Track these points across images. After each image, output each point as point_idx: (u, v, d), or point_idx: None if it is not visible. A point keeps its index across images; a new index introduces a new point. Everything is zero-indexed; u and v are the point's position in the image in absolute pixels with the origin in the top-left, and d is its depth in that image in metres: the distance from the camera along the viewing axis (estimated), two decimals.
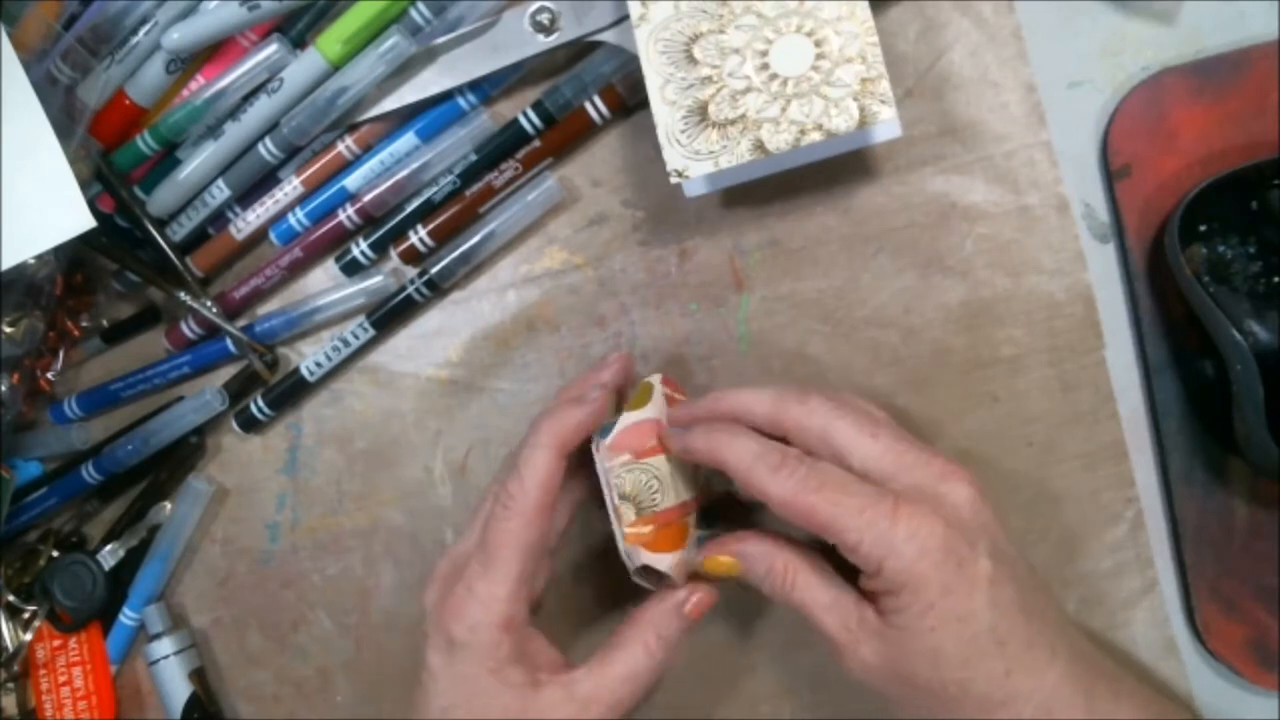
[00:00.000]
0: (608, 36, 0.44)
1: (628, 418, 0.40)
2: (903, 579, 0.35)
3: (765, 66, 0.40)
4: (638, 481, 0.39)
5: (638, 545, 0.39)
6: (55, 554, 0.48)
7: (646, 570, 0.39)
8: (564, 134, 0.46)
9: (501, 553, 0.38)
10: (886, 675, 0.36)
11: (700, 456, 0.38)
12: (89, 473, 0.47)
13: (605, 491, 0.39)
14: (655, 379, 0.41)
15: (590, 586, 0.47)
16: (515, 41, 0.44)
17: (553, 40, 0.44)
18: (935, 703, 0.36)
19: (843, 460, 0.37)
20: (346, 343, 0.47)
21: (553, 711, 0.38)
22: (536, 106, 0.46)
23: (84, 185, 0.41)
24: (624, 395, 0.43)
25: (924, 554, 0.35)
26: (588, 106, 0.45)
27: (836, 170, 0.46)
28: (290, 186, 0.47)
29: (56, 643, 0.48)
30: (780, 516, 0.36)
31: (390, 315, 0.47)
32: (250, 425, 0.48)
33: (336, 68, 0.44)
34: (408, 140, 0.46)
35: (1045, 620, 0.37)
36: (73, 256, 0.48)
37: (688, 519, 0.40)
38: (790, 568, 0.38)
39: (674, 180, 0.40)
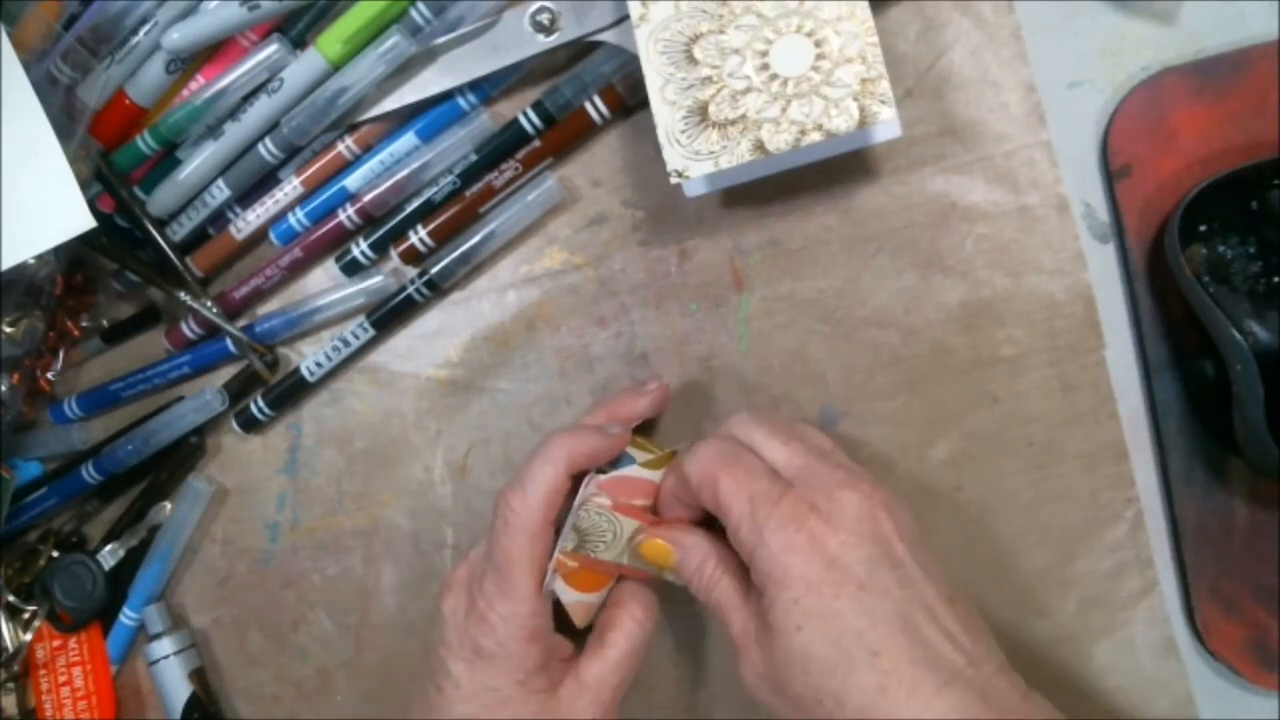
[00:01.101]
0: (608, 36, 0.44)
1: (635, 470, 0.41)
2: (767, 568, 0.35)
3: (765, 67, 0.40)
4: (598, 526, 0.40)
5: (558, 573, 0.40)
6: (55, 554, 0.48)
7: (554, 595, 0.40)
8: (564, 134, 0.46)
9: (513, 571, 0.38)
10: (767, 685, 0.36)
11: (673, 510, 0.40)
12: (89, 473, 0.47)
13: (571, 512, 0.40)
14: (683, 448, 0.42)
15: None
16: (515, 41, 0.44)
17: (553, 40, 0.44)
18: (811, 715, 0.34)
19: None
20: (346, 343, 0.47)
21: (571, 708, 0.39)
22: (536, 106, 0.46)
23: (84, 185, 0.41)
24: (650, 423, 0.46)
25: (790, 547, 0.35)
26: (588, 106, 0.45)
27: (836, 170, 0.46)
28: (290, 186, 0.47)
29: (56, 643, 0.48)
30: (697, 494, 0.38)
31: (390, 315, 0.47)
32: (250, 425, 0.48)
33: (336, 68, 0.44)
34: (408, 140, 0.46)
35: (946, 646, 0.34)
36: (73, 256, 0.48)
37: (612, 581, 0.42)
38: (720, 567, 0.38)
39: (674, 180, 0.40)
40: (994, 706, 0.34)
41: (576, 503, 0.40)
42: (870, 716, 0.33)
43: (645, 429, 0.46)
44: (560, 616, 0.41)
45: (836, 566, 0.35)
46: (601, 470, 0.41)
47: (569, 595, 0.40)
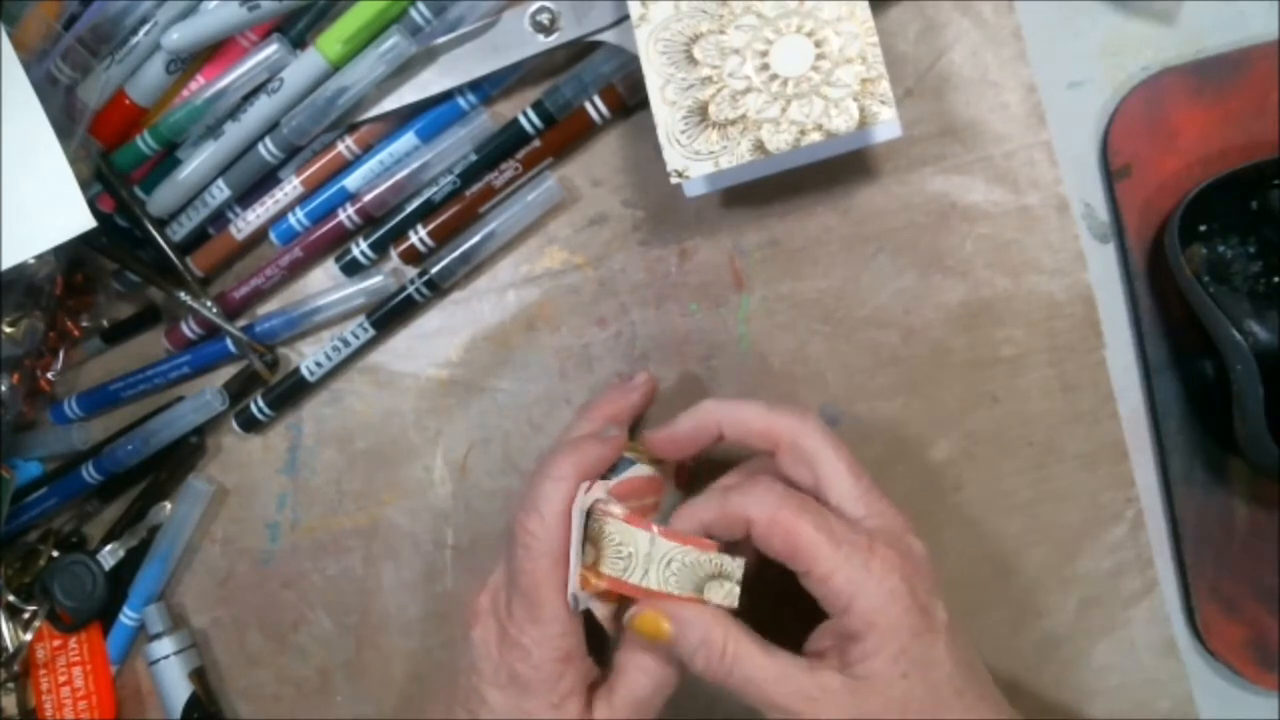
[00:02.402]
0: (608, 36, 0.44)
1: (638, 470, 0.40)
2: (872, 619, 0.34)
3: (765, 67, 0.40)
4: (611, 537, 0.38)
5: (585, 590, 0.38)
6: (55, 554, 0.48)
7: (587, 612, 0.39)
8: (564, 134, 0.46)
9: (539, 594, 0.38)
10: None
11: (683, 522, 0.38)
12: (89, 473, 0.47)
13: (577, 517, 0.38)
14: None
15: None
16: (515, 41, 0.44)
17: (553, 40, 0.44)
18: None
19: (820, 488, 0.38)
20: (346, 343, 0.47)
21: None
22: (536, 106, 0.46)
23: (84, 185, 0.41)
24: (640, 418, 0.45)
25: (895, 597, 0.35)
26: (588, 106, 0.45)
27: (836, 170, 0.46)
28: (290, 186, 0.47)
29: (56, 643, 0.48)
30: (757, 537, 0.36)
31: (390, 315, 0.47)
32: (250, 425, 0.48)
33: (336, 68, 0.44)
34: (408, 140, 0.46)
35: (981, 670, 0.37)
36: (73, 256, 0.48)
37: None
38: (730, 640, 0.36)
39: (674, 180, 0.40)
40: None
41: (576, 509, 0.38)
42: None
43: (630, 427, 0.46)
44: (592, 629, 0.40)
45: (927, 613, 0.35)
46: (604, 476, 0.40)
47: (601, 609, 0.39)
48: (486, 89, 0.46)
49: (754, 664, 0.36)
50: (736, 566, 0.38)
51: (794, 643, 0.37)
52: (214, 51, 0.46)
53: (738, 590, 0.38)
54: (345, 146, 0.46)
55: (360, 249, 0.47)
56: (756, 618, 0.37)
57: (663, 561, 0.38)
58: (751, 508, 0.36)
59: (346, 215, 0.47)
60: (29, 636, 0.48)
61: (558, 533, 0.38)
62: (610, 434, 0.41)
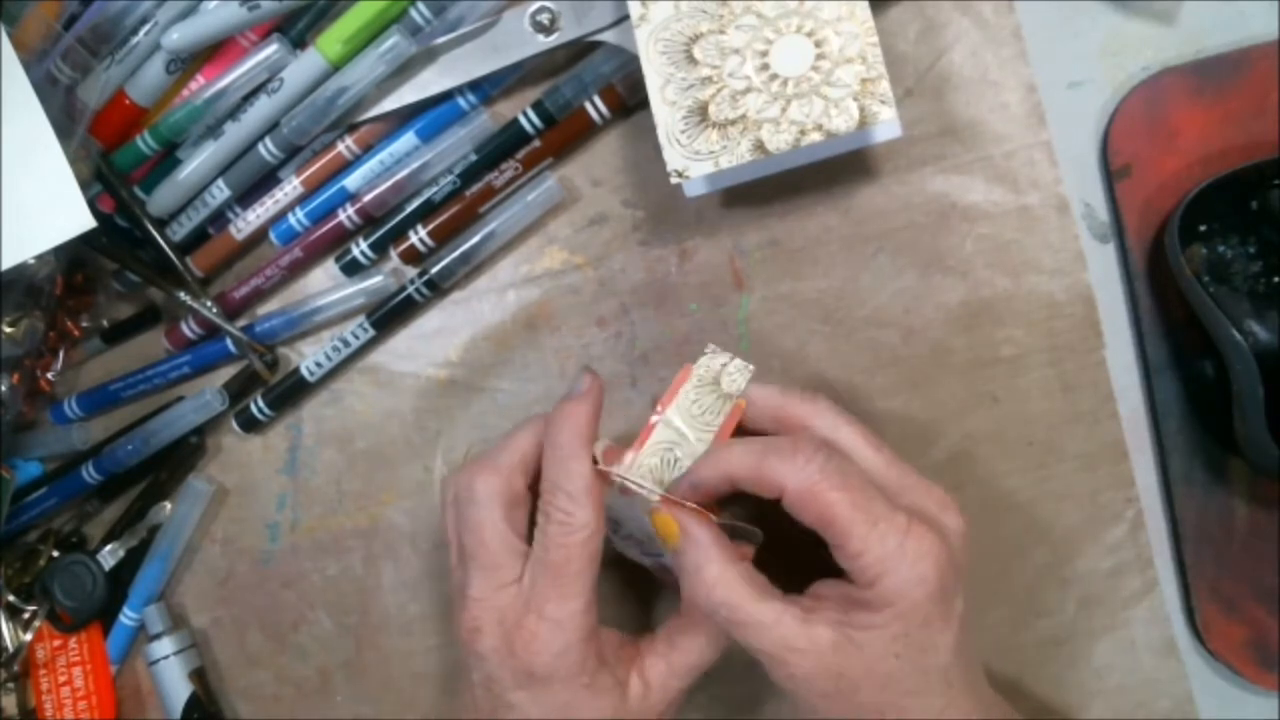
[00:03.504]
0: (608, 36, 0.44)
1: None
2: (891, 599, 0.34)
3: (765, 67, 0.40)
4: (655, 455, 0.38)
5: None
6: (55, 554, 0.48)
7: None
8: (564, 134, 0.46)
9: (571, 567, 0.37)
10: (824, 689, 0.35)
11: (708, 482, 0.37)
12: (89, 473, 0.47)
13: (631, 488, 0.38)
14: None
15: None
16: (515, 41, 0.44)
17: (553, 40, 0.44)
18: None
19: None
20: (346, 343, 0.47)
21: (641, 707, 0.38)
22: (536, 106, 0.46)
23: (84, 185, 0.41)
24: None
25: (922, 582, 0.34)
26: (588, 106, 0.45)
27: (836, 170, 0.46)
28: (290, 186, 0.47)
29: (56, 643, 0.48)
30: (789, 505, 0.36)
31: (390, 315, 0.47)
32: (250, 425, 0.48)
33: (336, 68, 0.44)
34: (408, 140, 0.46)
35: (976, 667, 0.37)
36: (73, 256, 0.48)
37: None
38: (723, 580, 0.36)
39: (674, 180, 0.40)
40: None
41: (619, 490, 0.38)
42: None
43: None
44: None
45: (948, 600, 0.35)
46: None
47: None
48: (486, 89, 0.46)
49: (745, 608, 0.35)
50: (755, 536, 0.38)
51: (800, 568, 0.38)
52: (214, 51, 0.46)
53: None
54: (345, 146, 0.46)
55: (360, 249, 0.47)
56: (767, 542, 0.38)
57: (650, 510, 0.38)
58: (789, 478, 0.35)
59: (346, 215, 0.47)
60: (29, 636, 0.48)
61: (591, 510, 0.37)
62: (583, 386, 0.39)
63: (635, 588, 0.46)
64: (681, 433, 0.39)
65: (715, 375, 0.40)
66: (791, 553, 0.37)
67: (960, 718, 0.35)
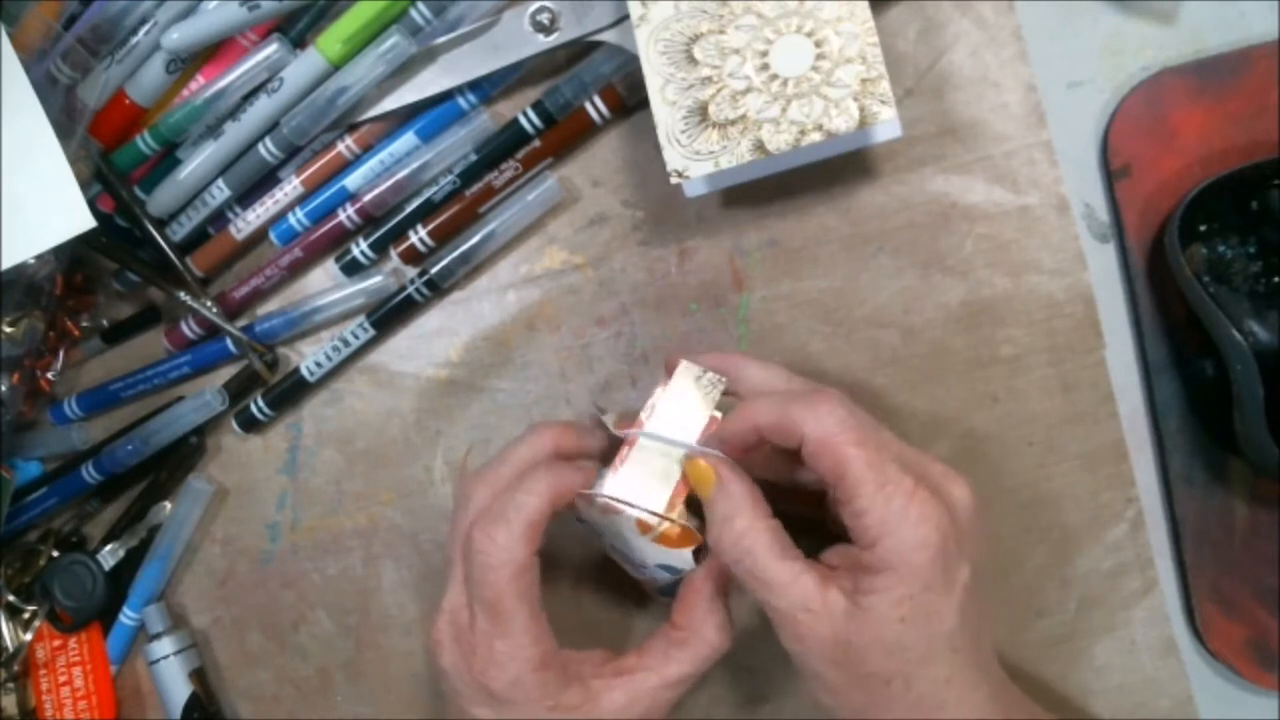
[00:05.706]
0: (608, 36, 0.44)
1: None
2: (892, 562, 0.34)
3: (765, 67, 0.40)
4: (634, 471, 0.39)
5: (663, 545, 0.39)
6: (55, 554, 0.48)
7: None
8: (564, 134, 0.46)
9: (505, 604, 0.37)
10: (833, 656, 0.35)
11: (737, 434, 0.37)
12: (89, 473, 0.47)
13: (612, 507, 0.38)
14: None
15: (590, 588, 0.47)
16: (515, 41, 0.44)
17: (553, 40, 0.44)
18: (873, 691, 0.35)
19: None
20: (346, 343, 0.47)
21: (620, 714, 0.38)
22: (536, 106, 0.46)
23: (84, 185, 0.41)
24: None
25: (923, 545, 0.34)
26: (588, 106, 0.45)
27: (836, 170, 0.46)
28: (290, 186, 0.47)
29: (56, 643, 0.48)
30: (807, 454, 0.36)
31: (390, 315, 0.47)
32: (250, 425, 0.48)
33: (336, 68, 0.44)
34: (408, 140, 0.46)
35: (986, 642, 0.37)
36: (73, 256, 0.48)
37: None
38: (751, 531, 0.36)
39: (674, 180, 0.40)
40: (1014, 701, 0.38)
41: (601, 520, 0.39)
42: (931, 702, 0.35)
43: None
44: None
45: (950, 567, 0.35)
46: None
47: (681, 557, 0.39)
48: (486, 89, 0.46)
49: (766, 564, 0.36)
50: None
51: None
52: (214, 51, 0.46)
53: None
54: (345, 146, 0.46)
55: (360, 249, 0.47)
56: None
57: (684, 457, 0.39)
58: (809, 424, 0.35)
59: (346, 215, 0.47)
60: (29, 636, 0.48)
61: (523, 546, 0.37)
62: (586, 466, 0.39)
63: (632, 588, 0.46)
64: (658, 448, 0.39)
65: (689, 389, 0.40)
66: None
67: (966, 686, 0.35)
